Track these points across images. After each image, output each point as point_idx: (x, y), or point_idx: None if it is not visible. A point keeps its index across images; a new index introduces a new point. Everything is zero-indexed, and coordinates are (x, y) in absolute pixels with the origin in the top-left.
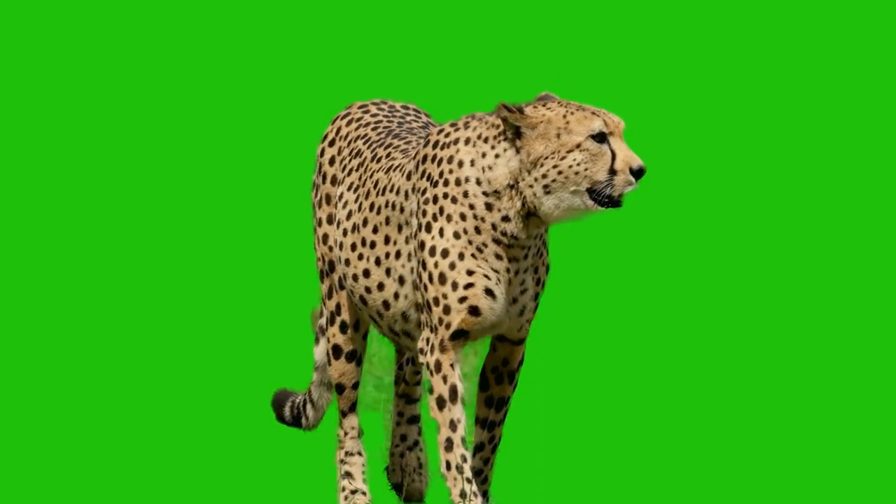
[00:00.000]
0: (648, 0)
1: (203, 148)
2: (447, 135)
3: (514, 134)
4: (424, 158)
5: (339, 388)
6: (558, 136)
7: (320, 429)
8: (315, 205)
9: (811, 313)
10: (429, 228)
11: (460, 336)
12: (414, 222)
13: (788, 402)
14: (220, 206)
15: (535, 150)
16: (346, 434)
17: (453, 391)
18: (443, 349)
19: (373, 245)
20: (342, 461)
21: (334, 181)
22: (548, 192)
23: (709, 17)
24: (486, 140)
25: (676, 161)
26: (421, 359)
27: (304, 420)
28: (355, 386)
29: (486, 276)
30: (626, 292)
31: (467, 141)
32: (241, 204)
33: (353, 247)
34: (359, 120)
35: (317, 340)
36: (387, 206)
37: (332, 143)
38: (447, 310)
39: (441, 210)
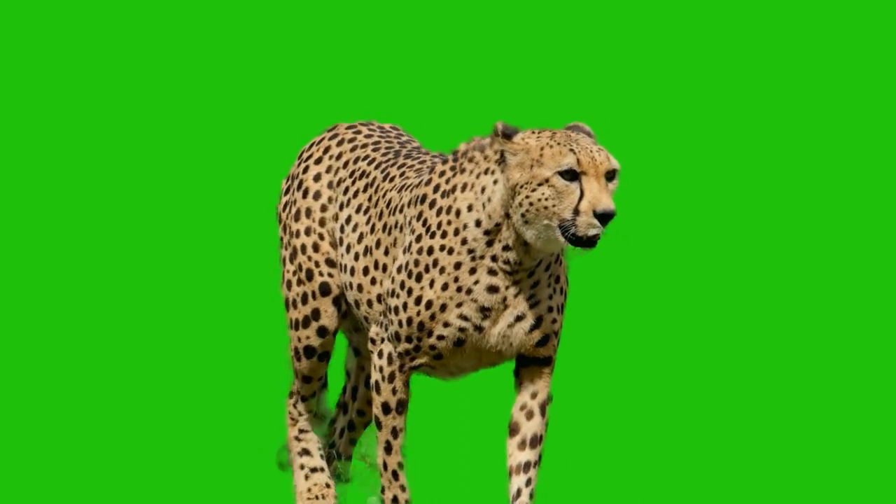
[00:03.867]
0: (641, 23)
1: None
2: (447, 180)
3: (500, 158)
4: (423, 198)
5: (306, 379)
6: (531, 167)
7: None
8: (291, 217)
9: (805, 316)
10: (419, 278)
11: (421, 368)
12: (402, 258)
13: (787, 404)
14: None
15: (513, 178)
16: (300, 414)
17: (400, 404)
18: (401, 369)
19: (384, 268)
20: (297, 438)
21: (317, 196)
22: (526, 223)
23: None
24: (485, 172)
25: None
26: (373, 349)
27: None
28: (320, 378)
29: (461, 330)
30: (622, 296)
31: (464, 187)
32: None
33: (366, 271)
34: (352, 141)
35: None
36: (396, 226)
37: (318, 161)
38: (417, 349)
39: (435, 262)
